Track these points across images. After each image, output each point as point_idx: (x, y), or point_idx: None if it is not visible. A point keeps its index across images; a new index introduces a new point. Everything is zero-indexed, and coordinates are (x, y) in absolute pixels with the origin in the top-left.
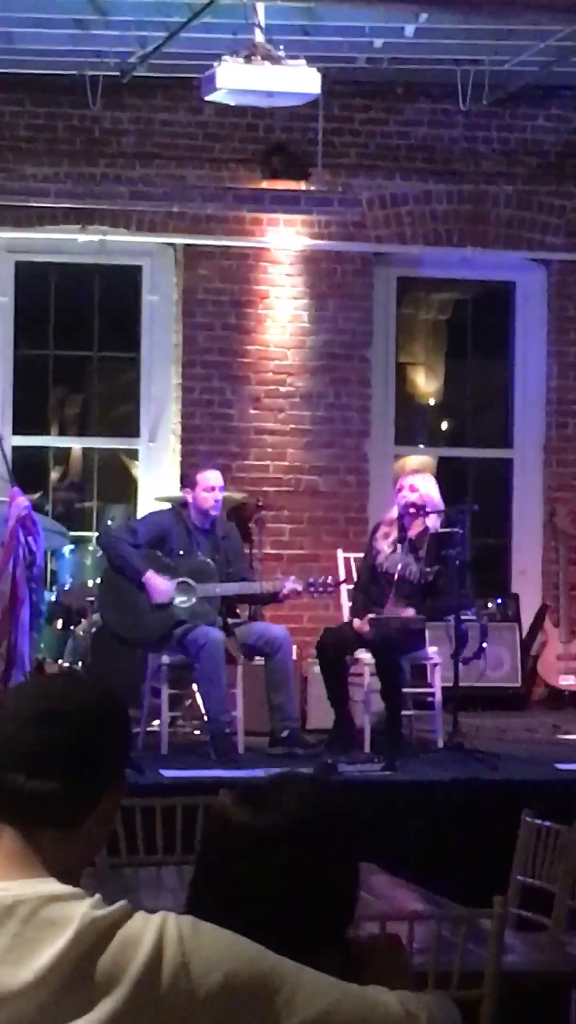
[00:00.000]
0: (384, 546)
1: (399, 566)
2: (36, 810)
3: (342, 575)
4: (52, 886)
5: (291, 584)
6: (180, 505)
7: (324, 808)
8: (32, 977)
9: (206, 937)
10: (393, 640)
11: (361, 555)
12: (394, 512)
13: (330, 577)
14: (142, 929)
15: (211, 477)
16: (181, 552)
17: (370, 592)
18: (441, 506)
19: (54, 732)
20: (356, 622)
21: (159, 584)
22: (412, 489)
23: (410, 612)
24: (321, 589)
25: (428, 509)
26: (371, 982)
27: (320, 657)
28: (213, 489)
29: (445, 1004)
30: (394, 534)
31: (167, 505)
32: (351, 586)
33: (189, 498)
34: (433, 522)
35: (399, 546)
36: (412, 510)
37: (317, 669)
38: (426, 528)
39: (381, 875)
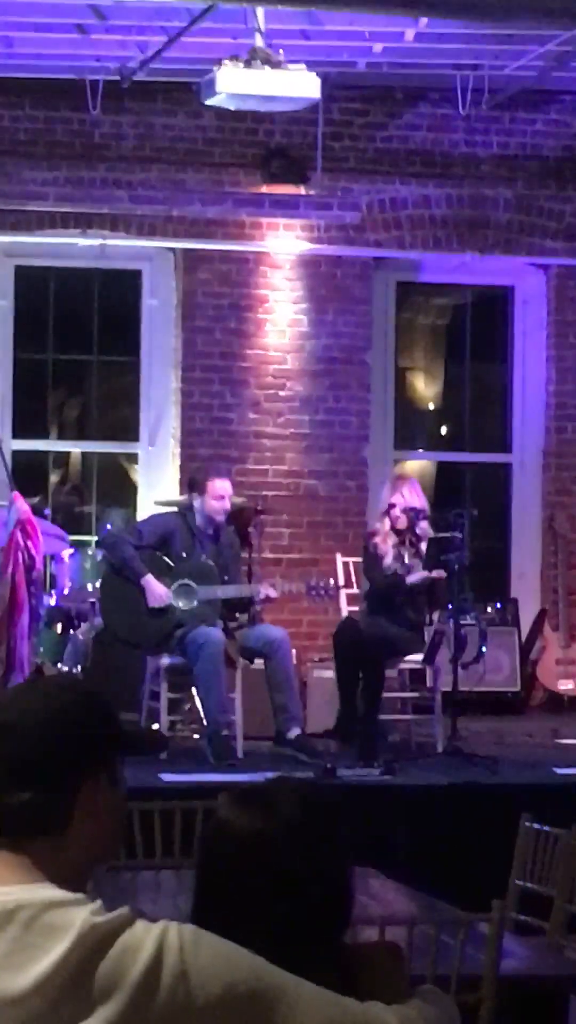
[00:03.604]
0: (389, 548)
1: (408, 566)
2: (17, 823)
3: (341, 579)
4: (54, 891)
5: (267, 589)
6: (185, 508)
7: (319, 812)
8: (32, 983)
9: (207, 947)
10: (381, 643)
11: (359, 559)
12: (386, 522)
13: (331, 580)
14: (143, 937)
15: (221, 486)
16: (184, 554)
17: (382, 597)
18: (428, 511)
19: (2, 748)
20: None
21: (156, 589)
22: (410, 493)
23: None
24: (322, 593)
25: (422, 515)
26: (370, 990)
27: (336, 642)
28: (223, 498)
29: (441, 1003)
30: (392, 539)
31: (173, 508)
32: (353, 591)
33: (196, 503)
34: (424, 528)
35: (401, 549)
36: (411, 514)
37: (316, 673)
38: (418, 532)
39: (379, 879)
